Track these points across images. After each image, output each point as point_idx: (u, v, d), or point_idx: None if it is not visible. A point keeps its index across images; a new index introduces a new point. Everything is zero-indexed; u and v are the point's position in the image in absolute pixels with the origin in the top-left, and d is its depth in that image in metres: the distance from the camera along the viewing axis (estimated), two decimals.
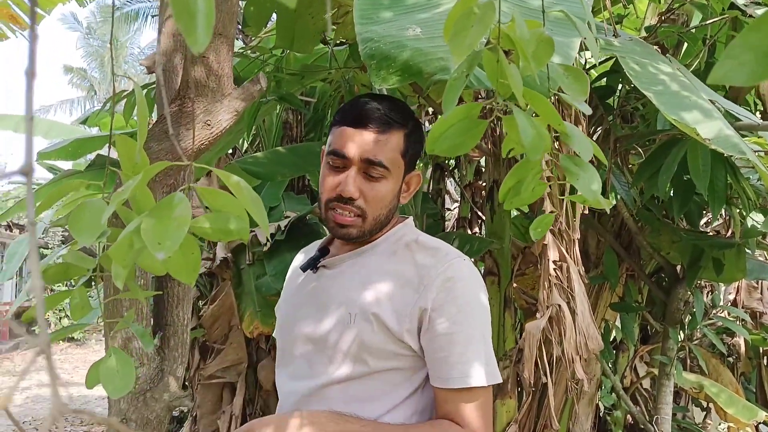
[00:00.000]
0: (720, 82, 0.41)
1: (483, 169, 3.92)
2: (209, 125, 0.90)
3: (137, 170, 0.59)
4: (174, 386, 0.99)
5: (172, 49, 1.05)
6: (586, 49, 1.91)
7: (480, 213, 3.91)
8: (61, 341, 12.60)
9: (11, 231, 11.10)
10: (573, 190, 1.72)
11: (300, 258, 1.37)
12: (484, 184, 3.78)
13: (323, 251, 1.26)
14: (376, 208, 1.16)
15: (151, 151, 0.89)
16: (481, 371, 1.10)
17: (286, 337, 1.28)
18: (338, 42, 2.58)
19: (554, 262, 1.55)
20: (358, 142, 1.13)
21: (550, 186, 1.63)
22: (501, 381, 1.14)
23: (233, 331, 3.87)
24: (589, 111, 0.84)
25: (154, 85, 2.24)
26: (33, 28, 0.37)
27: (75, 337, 12.62)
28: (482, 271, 3.01)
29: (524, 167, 0.81)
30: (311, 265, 1.24)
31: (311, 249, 1.35)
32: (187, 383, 4.30)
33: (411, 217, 1.29)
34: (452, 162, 4.17)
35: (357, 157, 1.13)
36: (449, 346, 1.10)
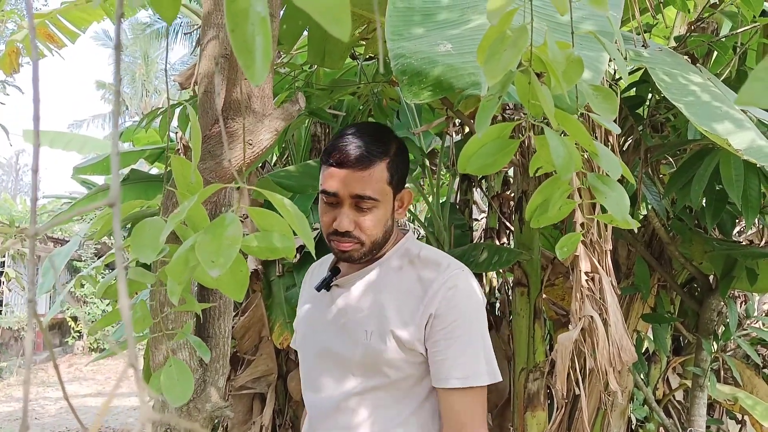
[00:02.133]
0: (748, 105, 0.42)
1: (511, 180, 3.92)
2: (251, 144, 0.94)
3: (192, 189, 0.63)
4: (216, 397, 1.02)
5: (212, 71, 1.09)
6: (613, 62, 1.91)
7: (508, 223, 3.90)
8: (93, 352, 12.82)
9: (46, 244, 11.36)
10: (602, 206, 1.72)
11: (311, 273, 1.51)
12: (512, 194, 3.78)
13: (334, 271, 1.38)
14: (372, 233, 1.27)
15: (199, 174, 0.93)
16: (481, 372, 1.22)
17: (306, 354, 1.40)
18: (367, 57, 2.62)
19: (586, 273, 1.55)
20: (345, 181, 1.23)
21: (581, 196, 1.64)
22: (501, 380, 1.25)
23: (263, 342, 3.92)
24: (618, 130, 0.86)
25: (188, 102, 2.29)
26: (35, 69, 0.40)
27: (106, 348, 12.82)
28: (511, 282, 3.01)
29: (552, 185, 0.83)
30: (324, 285, 1.35)
31: (321, 266, 1.48)
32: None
33: (410, 231, 1.43)
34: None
35: (346, 194, 1.24)
36: (448, 350, 1.22)
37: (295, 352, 4.20)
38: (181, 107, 2.23)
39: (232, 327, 3.94)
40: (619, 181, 0.89)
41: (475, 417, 1.22)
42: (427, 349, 1.25)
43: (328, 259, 1.44)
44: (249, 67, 0.41)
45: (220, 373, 1.05)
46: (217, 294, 1.00)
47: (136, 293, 0.78)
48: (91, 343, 12.92)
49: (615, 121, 0.94)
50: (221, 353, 1.03)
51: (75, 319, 12.82)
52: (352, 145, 1.24)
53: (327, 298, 1.36)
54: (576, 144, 0.75)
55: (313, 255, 0.78)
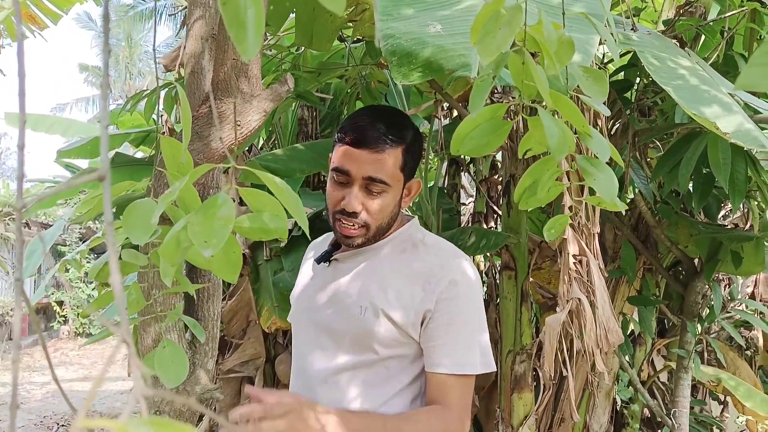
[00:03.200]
0: (747, 89, 0.42)
1: (499, 164, 3.92)
2: (240, 125, 0.93)
3: (182, 170, 0.62)
4: (205, 379, 1.02)
5: (199, 51, 1.08)
6: (604, 43, 1.91)
7: (495, 208, 3.92)
8: (78, 337, 12.76)
9: (29, 228, 11.24)
10: (592, 188, 1.72)
11: (312, 251, 1.52)
12: (500, 179, 3.79)
13: (336, 246, 1.38)
14: (378, 218, 1.27)
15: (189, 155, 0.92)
16: (474, 361, 1.23)
17: (300, 325, 1.40)
18: (355, 39, 2.60)
19: (574, 256, 1.56)
20: (359, 161, 1.22)
21: (569, 180, 1.64)
22: (494, 370, 1.26)
23: (251, 326, 3.92)
24: (607, 112, 0.86)
25: (174, 84, 2.26)
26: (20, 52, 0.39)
27: (92, 333, 12.77)
28: (499, 266, 3.02)
29: (541, 167, 0.82)
30: (325, 258, 1.36)
31: (323, 242, 1.49)
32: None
33: (416, 218, 1.41)
34: (467, 158, 4.18)
35: (359, 175, 1.23)
36: (446, 336, 1.23)
37: (284, 334, 4.19)
38: (166, 89, 2.20)
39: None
40: (607, 164, 0.89)
41: (461, 404, 1.23)
42: (421, 334, 1.25)
43: (331, 235, 1.44)
44: (241, 41, 0.40)
45: (209, 356, 1.05)
46: (206, 276, 0.99)
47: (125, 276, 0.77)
48: (76, 328, 12.85)
49: (604, 104, 0.93)
50: (210, 336, 1.02)
51: (60, 303, 12.73)
52: (372, 127, 1.23)
53: (326, 271, 1.36)
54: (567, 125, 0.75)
55: (308, 235, 0.77)
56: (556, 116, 0.75)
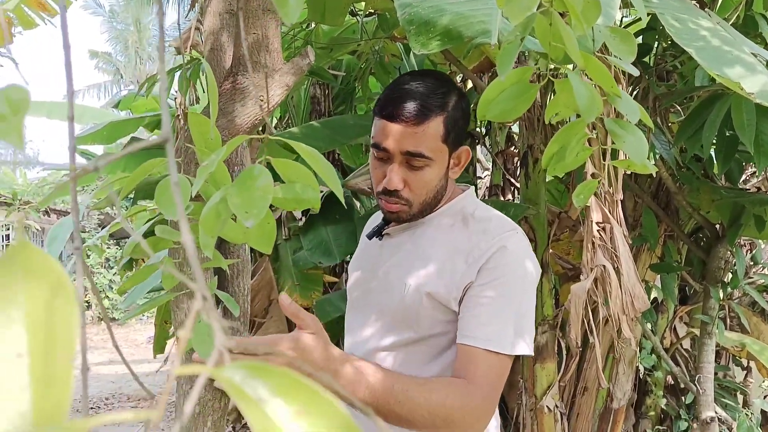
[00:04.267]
0: None
1: (515, 136, 3.89)
2: (262, 100, 0.93)
3: (210, 146, 0.62)
4: None
5: (218, 27, 1.07)
6: (622, 7, 1.87)
7: (513, 180, 3.90)
8: (102, 321, 12.95)
9: (49, 216, 11.38)
10: (613, 154, 1.71)
11: (371, 221, 1.45)
12: (516, 150, 3.76)
13: (387, 220, 1.32)
14: (422, 194, 1.21)
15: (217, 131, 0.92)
16: (506, 340, 1.14)
17: (351, 297, 1.39)
18: (367, 13, 2.57)
19: (597, 223, 1.55)
20: (397, 135, 1.16)
21: (592, 145, 1.63)
22: (528, 353, 1.17)
23: (273, 305, 3.95)
24: (636, 72, 0.85)
25: (188, 66, 2.26)
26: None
27: (116, 317, 12.96)
28: None
29: (569, 132, 0.81)
30: (377, 233, 1.32)
31: (379, 216, 1.41)
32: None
33: (472, 188, 1.33)
34: (483, 130, 4.15)
35: (397, 150, 1.17)
36: (482, 308, 1.15)
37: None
38: (180, 71, 2.20)
39: None
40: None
41: (487, 381, 1.12)
42: (460, 307, 1.18)
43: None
44: (283, 5, 0.40)
45: (241, 333, 1.06)
46: (235, 252, 1.00)
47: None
48: (99, 313, 13.05)
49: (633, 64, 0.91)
50: (242, 311, 1.03)
51: (84, 289, 12.88)
52: (407, 97, 1.15)
53: (377, 246, 1.33)
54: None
55: (343, 203, 0.77)
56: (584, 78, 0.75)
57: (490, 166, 4.38)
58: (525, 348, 1.17)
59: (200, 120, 0.71)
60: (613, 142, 0.79)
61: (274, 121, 4.84)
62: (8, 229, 10.70)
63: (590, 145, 1.41)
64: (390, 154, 1.17)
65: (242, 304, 0.99)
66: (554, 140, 0.87)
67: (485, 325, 1.14)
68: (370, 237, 1.34)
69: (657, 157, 2.47)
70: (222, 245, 1.00)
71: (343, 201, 0.63)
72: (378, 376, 1.05)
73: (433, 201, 1.24)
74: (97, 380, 7.74)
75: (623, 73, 1.54)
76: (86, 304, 13.00)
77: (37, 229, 9.32)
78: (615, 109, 0.84)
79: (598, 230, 1.58)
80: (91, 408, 6.29)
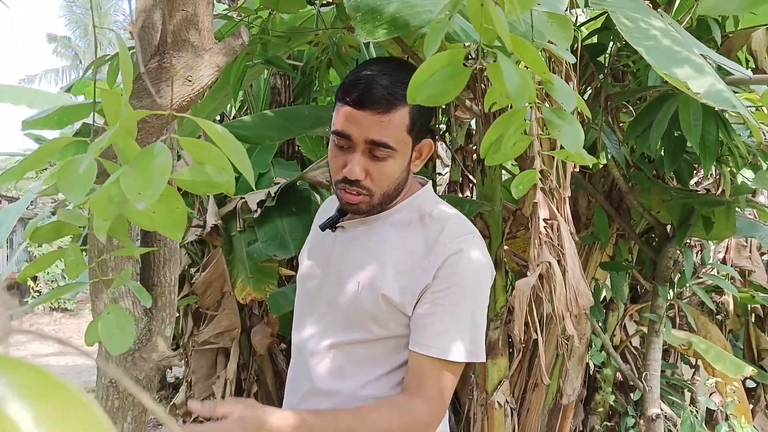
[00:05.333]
0: (711, 13, 0.39)
1: (474, 132, 3.89)
2: (190, 81, 0.88)
3: (126, 129, 0.58)
4: (162, 346, 0.98)
5: (150, 5, 1.03)
6: (575, 7, 1.88)
7: (471, 177, 3.90)
8: (54, 312, 12.62)
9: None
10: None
11: (323, 209, 1.41)
12: (474, 147, 3.76)
13: (342, 212, 1.28)
14: (383, 185, 1.17)
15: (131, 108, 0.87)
16: (461, 347, 1.12)
17: (301, 290, 1.33)
18: (324, 3, 2.53)
19: (545, 220, 1.54)
20: (360, 124, 1.11)
21: (541, 144, 1.62)
22: (483, 360, 1.16)
23: (226, 297, 3.89)
24: (573, 60, 0.83)
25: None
26: None
27: (69, 308, 12.64)
28: None
29: (506, 121, 0.79)
30: (330, 225, 1.27)
31: (331, 204, 1.37)
32: (182, 349, 4.34)
33: (429, 183, 1.29)
34: (443, 126, 4.15)
35: (360, 139, 1.12)
36: (435, 316, 1.13)
37: (259, 305, 4.16)
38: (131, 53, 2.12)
39: (192, 283, 3.90)
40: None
41: (437, 392, 1.12)
42: (413, 311, 1.16)
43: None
44: None
45: (167, 323, 1.01)
46: (162, 241, 0.95)
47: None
48: (52, 303, 12.72)
49: (575, 65, 0.90)
50: (167, 302, 0.99)
51: (34, 279, 12.55)
52: (374, 84, 1.10)
53: (329, 239, 1.28)
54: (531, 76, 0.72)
55: (253, 187, 0.73)
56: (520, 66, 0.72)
57: (450, 163, 4.39)
58: (479, 355, 1.16)
59: (112, 96, 0.67)
60: (547, 131, 0.77)
61: (233, 111, 4.75)
62: None
63: (538, 139, 1.41)
64: (353, 142, 1.13)
65: (168, 294, 0.95)
66: (492, 129, 0.85)
67: (439, 333, 1.12)
68: (323, 228, 1.29)
69: (609, 156, 2.49)
70: (148, 233, 0.96)
71: (253, 184, 0.59)
72: (321, 422, 1.06)
73: (394, 193, 1.20)
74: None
75: (573, 68, 1.53)
76: (37, 294, 12.64)
77: None
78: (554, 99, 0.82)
79: (545, 227, 1.57)
80: None
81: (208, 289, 3.82)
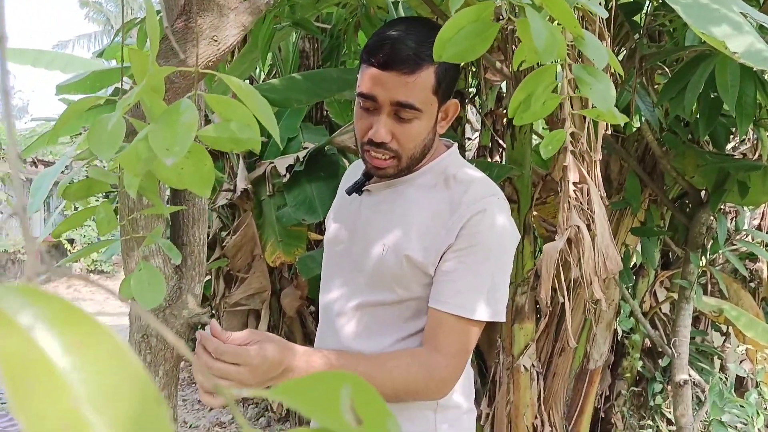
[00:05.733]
0: None
1: (504, 96, 3.83)
2: (216, 41, 0.88)
3: (154, 88, 0.58)
4: (192, 303, 1.01)
5: None
6: None
7: (501, 141, 3.85)
8: (91, 274, 12.97)
9: (36, 167, 11.27)
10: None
11: (348, 174, 1.41)
12: (505, 111, 3.71)
13: (368, 175, 1.28)
14: (410, 147, 1.16)
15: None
16: (480, 306, 1.13)
17: (328, 253, 1.34)
18: None
19: (574, 183, 1.53)
20: (386, 85, 1.10)
21: (572, 105, 1.59)
22: (500, 320, 1.16)
23: (256, 260, 3.95)
24: (605, 14, 0.81)
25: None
26: None
27: (105, 270, 12.98)
28: None
29: (535, 78, 0.77)
30: (356, 189, 1.27)
31: (356, 169, 1.37)
32: (214, 310, 4.44)
33: (455, 145, 1.27)
34: (473, 90, 4.09)
35: (386, 100, 1.11)
36: (456, 273, 1.13)
37: (288, 268, 4.20)
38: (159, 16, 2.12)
39: (224, 246, 3.96)
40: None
41: (455, 349, 1.12)
42: (436, 270, 1.16)
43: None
44: None
45: (197, 281, 1.04)
46: (191, 201, 0.97)
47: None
48: (88, 265, 13.06)
49: (609, 24, 0.88)
50: (197, 260, 1.01)
51: (71, 241, 12.89)
52: (399, 44, 1.08)
53: (356, 203, 1.28)
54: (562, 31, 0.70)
55: (280, 146, 0.73)
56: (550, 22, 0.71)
57: (480, 127, 4.33)
58: (497, 315, 1.15)
59: (140, 54, 0.67)
60: (577, 88, 0.75)
61: (262, 75, 4.75)
62: None
63: (569, 99, 1.38)
64: (378, 104, 1.12)
65: (198, 253, 0.97)
66: (521, 88, 0.83)
67: (459, 291, 1.12)
68: (349, 193, 1.29)
69: (642, 120, 2.44)
70: (177, 194, 0.97)
71: (278, 140, 0.59)
72: (343, 362, 1.07)
73: (420, 155, 1.19)
74: None
75: (607, 28, 1.49)
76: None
77: (24, 180, 9.24)
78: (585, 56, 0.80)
79: (574, 190, 1.55)
80: None
81: (238, 252, 3.88)
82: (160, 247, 0.92)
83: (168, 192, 1.06)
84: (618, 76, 2.00)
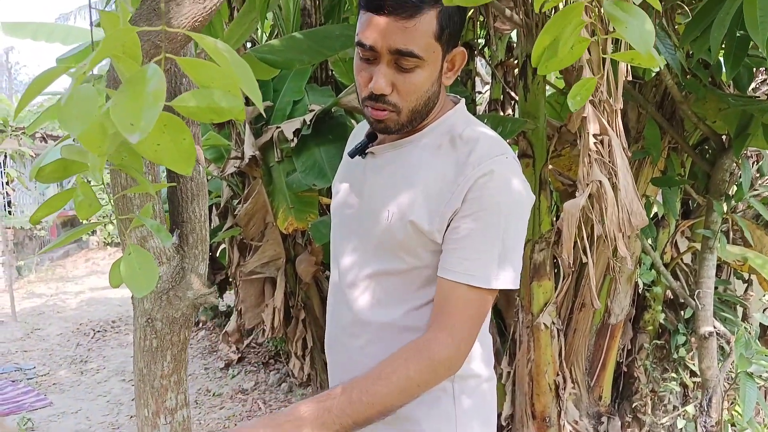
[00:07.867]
0: None
1: (515, 45, 3.70)
2: (201, 1, 0.81)
3: (127, 51, 0.51)
4: (197, 284, 0.95)
5: None
6: None
7: (513, 93, 3.73)
8: (108, 246, 13.07)
9: (45, 142, 11.25)
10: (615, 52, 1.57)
11: (353, 135, 1.35)
12: (516, 61, 3.58)
13: (371, 137, 1.22)
14: (411, 100, 1.08)
15: (141, 33, 0.80)
16: (489, 274, 1.06)
17: (336, 220, 1.29)
18: None
19: (594, 135, 1.44)
20: (384, 31, 1.01)
21: (590, 51, 1.49)
22: (513, 287, 1.09)
23: (269, 228, 3.91)
24: None
25: None
26: None
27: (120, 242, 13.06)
28: (516, 153, 2.91)
29: (561, 19, 0.69)
30: (359, 151, 1.21)
31: (364, 127, 1.30)
32: (230, 279, 4.42)
33: (462, 101, 1.19)
34: (481, 41, 3.95)
35: (385, 48, 1.03)
36: (464, 241, 1.06)
37: (302, 234, 4.16)
38: None
39: (236, 215, 3.92)
40: None
41: (466, 319, 1.06)
42: (444, 237, 1.09)
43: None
44: None
45: (200, 260, 0.98)
46: (189, 176, 0.90)
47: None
48: (105, 238, 13.15)
49: None
50: (199, 238, 0.95)
51: None
52: None
53: (360, 166, 1.22)
54: None
55: (262, 113, 0.66)
56: None
57: (491, 80, 4.20)
58: (509, 282, 1.08)
59: (112, 18, 0.60)
60: (613, 29, 0.66)
61: (264, 38, 4.62)
62: (4, 157, 10.62)
63: (592, 34, 1.28)
64: (376, 53, 1.04)
65: (199, 230, 0.91)
66: (545, 31, 0.75)
67: (467, 259, 1.06)
68: (352, 155, 1.23)
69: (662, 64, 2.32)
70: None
71: (261, 107, 0.52)
72: (337, 401, 1.00)
73: (424, 109, 1.11)
74: (104, 304, 7.86)
75: None
76: (91, 230, 13.08)
77: (32, 156, 9.23)
78: None
79: (595, 143, 1.47)
80: (98, 331, 6.40)
81: (250, 221, 3.84)
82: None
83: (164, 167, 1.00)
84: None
